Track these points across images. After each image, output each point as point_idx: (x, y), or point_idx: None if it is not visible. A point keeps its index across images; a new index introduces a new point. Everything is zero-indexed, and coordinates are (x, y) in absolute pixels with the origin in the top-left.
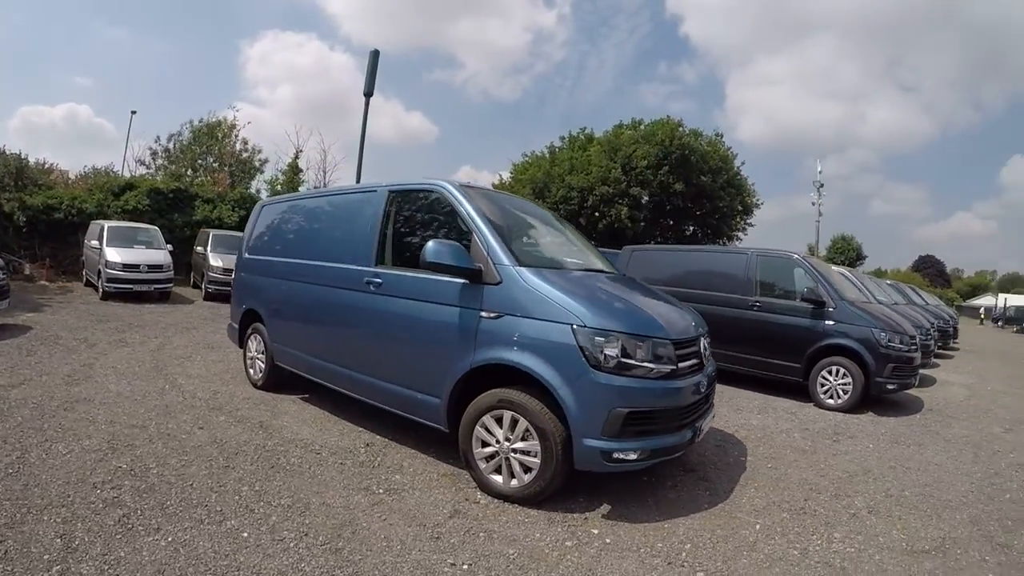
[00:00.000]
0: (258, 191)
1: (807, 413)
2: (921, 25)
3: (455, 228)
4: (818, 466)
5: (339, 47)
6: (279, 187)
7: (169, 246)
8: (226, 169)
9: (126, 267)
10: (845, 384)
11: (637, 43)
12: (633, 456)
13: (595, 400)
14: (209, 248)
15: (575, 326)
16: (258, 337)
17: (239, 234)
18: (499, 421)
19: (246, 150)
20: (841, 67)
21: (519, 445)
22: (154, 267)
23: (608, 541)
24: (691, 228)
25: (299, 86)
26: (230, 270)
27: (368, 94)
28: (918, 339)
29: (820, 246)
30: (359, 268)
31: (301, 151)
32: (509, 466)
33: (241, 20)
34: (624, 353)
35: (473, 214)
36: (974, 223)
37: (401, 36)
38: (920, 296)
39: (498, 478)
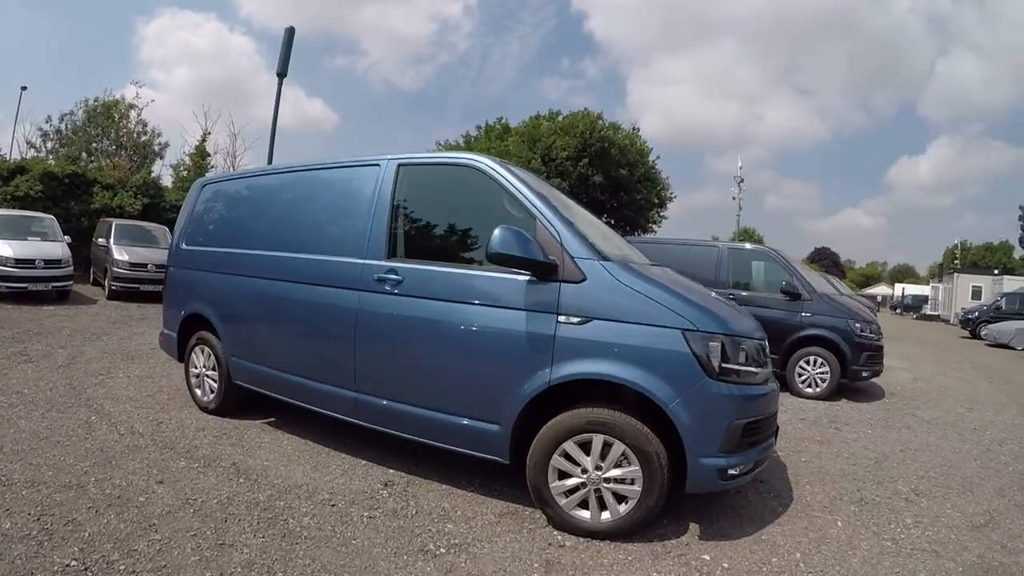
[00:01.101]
0: (159, 177)
1: (791, 403)
2: (819, 34)
3: (495, 214)
4: (842, 455)
5: (239, 29)
6: (184, 172)
7: (67, 238)
8: (124, 153)
9: (20, 263)
10: (823, 373)
11: (542, 37)
12: (744, 470)
13: (713, 413)
14: (112, 240)
15: (687, 330)
16: (206, 349)
17: (146, 224)
18: (584, 446)
19: (145, 132)
20: (740, 70)
21: (613, 473)
22: (51, 262)
23: (726, 566)
24: (609, 220)
25: (196, 69)
26: (138, 265)
27: (282, 74)
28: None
29: (725, 238)
30: (363, 262)
31: (209, 133)
32: (599, 498)
33: None
34: (725, 357)
35: (532, 197)
36: (863, 218)
37: (303, 20)
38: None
39: (584, 513)
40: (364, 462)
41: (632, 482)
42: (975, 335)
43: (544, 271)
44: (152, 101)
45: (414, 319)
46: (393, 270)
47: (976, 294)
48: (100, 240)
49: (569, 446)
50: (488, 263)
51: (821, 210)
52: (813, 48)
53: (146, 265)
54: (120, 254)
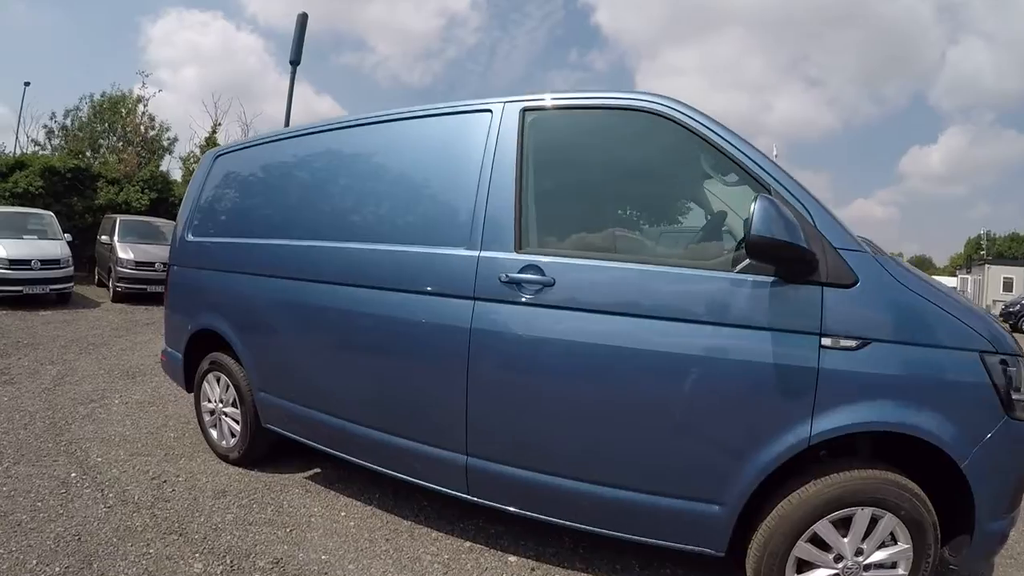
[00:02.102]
0: (168, 171)
1: None
2: (829, 23)
3: (685, 181)
4: None
5: (246, 27)
6: (194, 164)
7: (67, 236)
8: (132, 148)
9: (13, 264)
10: None
11: (549, 30)
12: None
13: (1009, 463)
14: (116, 237)
15: (985, 352)
16: (223, 378)
17: (154, 220)
18: (840, 525)
19: (153, 127)
20: (749, 60)
21: (877, 557)
22: (49, 263)
23: None
24: None
25: (204, 68)
26: (144, 264)
27: (295, 62)
28: None
29: None
30: (476, 255)
31: (220, 124)
32: None
33: None
34: (1015, 386)
35: (758, 157)
36: (876, 209)
37: (311, 17)
38: None
39: None
40: (468, 544)
41: (895, 566)
42: (1016, 328)
43: (801, 268)
44: (159, 91)
45: (576, 346)
46: (535, 267)
47: (1008, 286)
48: (104, 238)
49: (823, 526)
50: (692, 257)
51: (833, 201)
52: (823, 38)
53: (153, 264)
54: (124, 252)
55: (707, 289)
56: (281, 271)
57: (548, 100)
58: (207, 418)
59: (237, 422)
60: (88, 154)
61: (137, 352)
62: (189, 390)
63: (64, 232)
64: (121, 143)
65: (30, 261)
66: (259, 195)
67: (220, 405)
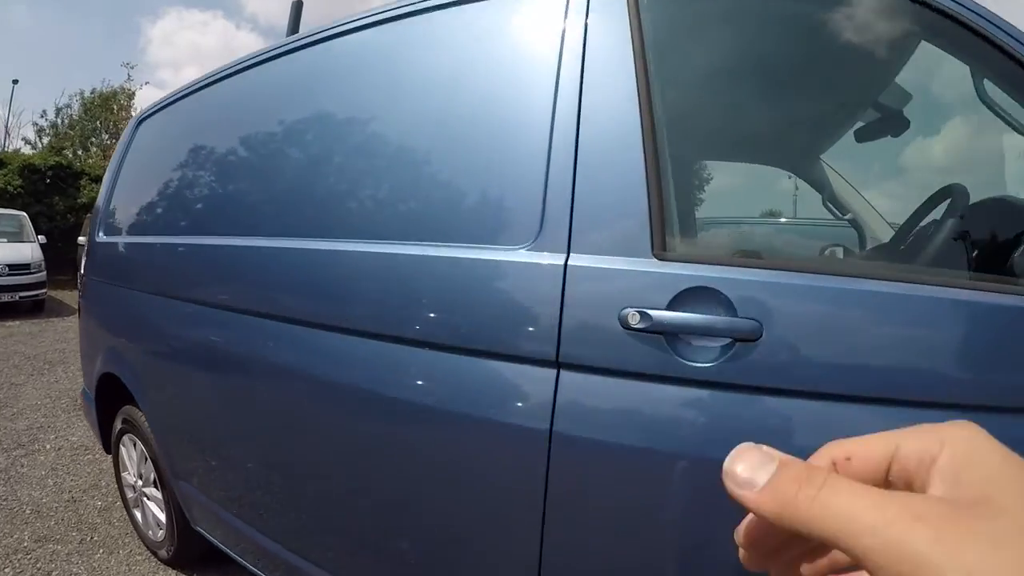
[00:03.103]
0: None
1: None
2: None
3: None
4: None
5: (245, 26)
6: None
7: (41, 237)
8: None
9: None
10: None
11: None
12: None
13: None
14: None
15: None
16: (140, 446)
17: None
18: None
19: None
20: None
21: None
22: (18, 268)
23: None
24: None
25: (205, 67)
26: None
27: None
28: None
29: None
30: (564, 263)
31: None
32: None
33: None
34: None
35: None
36: None
37: (308, 19)
38: None
39: None
40: None
41: None
42: None
43: None
44: (146, 83)
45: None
46: (710, 292)
47: None
48: (82, 240)
49: None
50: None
51: None
52: None
53: None
54: None
55: None
56: (188, 289)
57: None
58: (129, 495)
59: (162, 511)
60: (72, 153)
61: None
62: (106, 450)
63: (40, 234)
64: (111, 140)
65: None
66: (176, 171)
67: (139, 483)
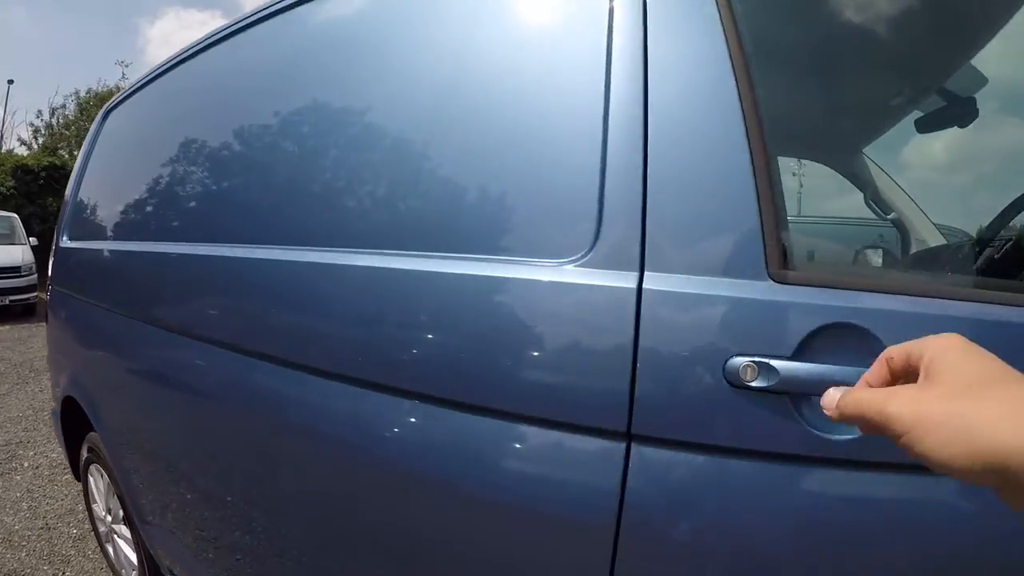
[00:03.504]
0: None
1: None
2: None
3: None
4: None
5: None
6: None
7: (33, 239)
8: None
9: None
10: None
11: None
12: None
13: None
14: None
15: None
16: (105, 476)
17: None
18: None
19: None
20: None
21: None
22: (8, 271)
23: None
24: None
25: None
26: None
27: None
28: None
29: None
30: (636, 284)
31: None
32: None
33: None
34: None
35: None
36: None
37: None
38: None
39: None
40: None
41: None
42: None
43: None
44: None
45: None
46: (857, 332)
47: None
48: None
49: None
50: None
51: None
52: None
53: None
54: None
55: None
56: (141, 306)
57: None
58: (101, 528)
59: (132, 553)
60: (68, 153)
61: None
62: (77, 477)
63: (32, 235)
64: None
65: None
66: (136, 168)
67: (109, 518)
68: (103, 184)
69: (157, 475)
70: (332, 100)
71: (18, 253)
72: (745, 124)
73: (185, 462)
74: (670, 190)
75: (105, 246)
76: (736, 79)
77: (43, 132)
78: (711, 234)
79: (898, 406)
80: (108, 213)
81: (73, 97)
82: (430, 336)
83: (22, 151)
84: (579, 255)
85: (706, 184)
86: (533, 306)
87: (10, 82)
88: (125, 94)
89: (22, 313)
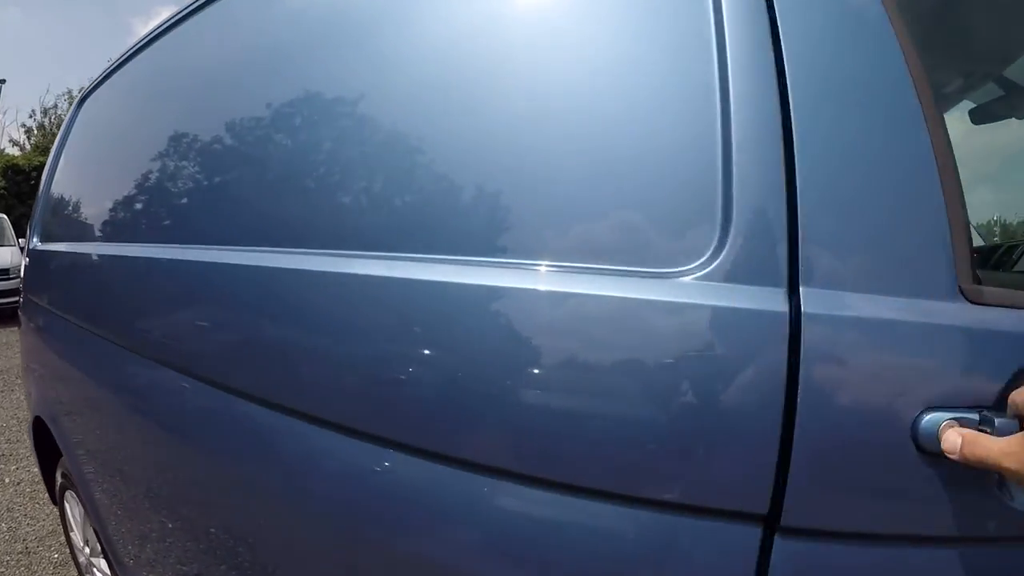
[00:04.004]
0: None
1: None
2: None
3: None
4: None
5: None
6: None
7: (21, 240)
8: None
9: None
10: None
11: None
12: None
13: None
14: None
15: None
16: (79, 506)
17: None
18: None
19: None
20: None
21: None
22: None
23: None
24: None
25: None
26: None
27: None
28: None
29: None
30: (786, 308)
31: None
32: None
33: None
34: None
35: None
36: None
37: None
38: None
39: None
40: None
41: None
42: None
43: None
44: None
45: None
46: None
47: None
48: None
49: None
50: None
51: None
52: None
53: None
54: None
55: None
56: (97, 317)
57: None
58: (80, 559)
59: None
60: None
61: None
62: (54, 501)
63: (22, 236)
64: None
65: None
66: (105, 159)
67: (87, 550)
68: (75, 179)
69: (131, 508)
70: (337, 78)
71: (7, 255)
72: (916, 90)
73: (158, 497)
74: (822, 193)
75: (67, 249)
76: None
77: (35, 132)
78: (881, 236)
79: (1015, 464)
80: (74, 212)
81: (65, 96)
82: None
83: (14, 151)
84: (699, 264)
85: (873, 170)
86: (634, 333)
87: (2, 81)
88: (102, 76)
89: (11, 317)
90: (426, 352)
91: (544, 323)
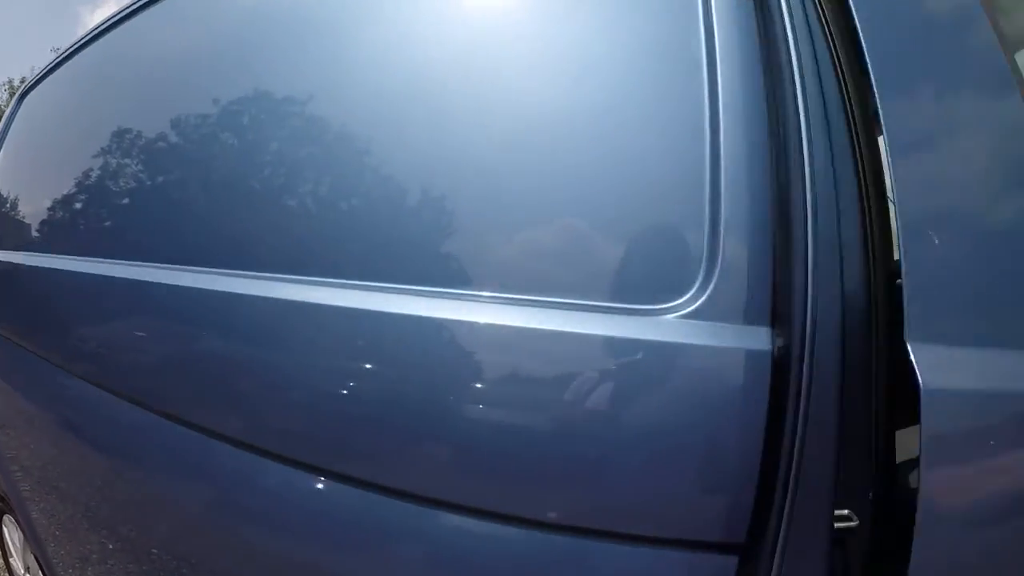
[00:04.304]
0: None
1: None
2: None
3: None
4: None
5: None
6: None
7: None
8: None
9: None
10: None
11: None
12: None
13: None
14: None
15: None
16: (18, 531)
17: None
18: None
19: None
20: None
21: None
22: None
23: None
24: None
25: None
26: None
27: None
28: None
29: None
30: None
31: None
32: None
33: None
34: None
35: None
36: None
37: None
38: None
39: None
40: None
41: None
42: None
43: None
44: None
45: None
46: None
47: None
48: None
49: None
50: None
51: None
52: None
53: None
54: None
55: None
56: (36, 339)
57: None
58: None
59: None
60: None
61: None
62: None
63: None
64: None
65: None
66: (48, 158)
67: (26, 573)
68: (10, 182)
69: (69, 529)
70: (301, 78)
71: None
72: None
73: (96, 517)
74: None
75: (17, 259)
76: None
77: None
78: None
79: None
80: (7, 218)
81: (6, 87)
82: (440, 423)
83: None
84: (683, 300)
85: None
86: (612, 377)
87: None
88: (46, 69)
89: None
90: (372, 381)
91: (522, 361)
